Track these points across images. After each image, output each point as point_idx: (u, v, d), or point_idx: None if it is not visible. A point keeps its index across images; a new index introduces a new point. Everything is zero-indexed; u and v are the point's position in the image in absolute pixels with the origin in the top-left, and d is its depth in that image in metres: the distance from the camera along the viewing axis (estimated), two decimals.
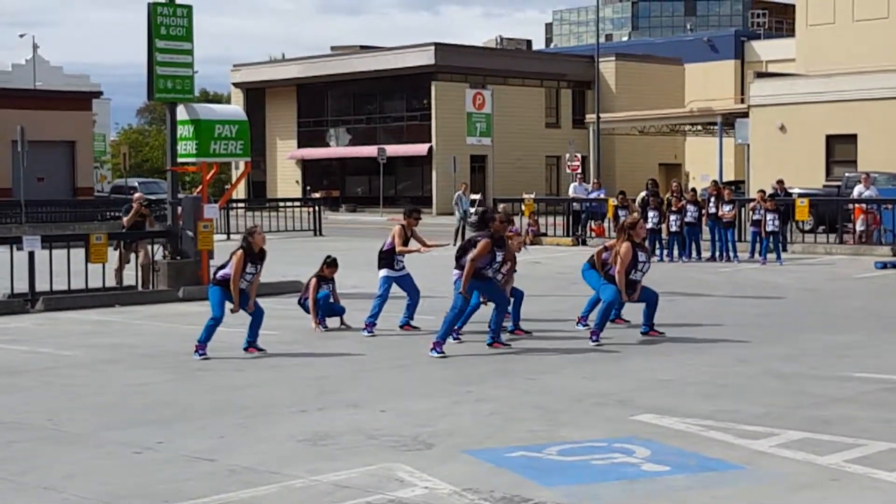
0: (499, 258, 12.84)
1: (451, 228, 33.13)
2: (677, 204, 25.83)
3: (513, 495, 6.99)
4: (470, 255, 12.65)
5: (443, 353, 12.49)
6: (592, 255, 14.44)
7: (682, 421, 9.07)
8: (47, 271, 17.77)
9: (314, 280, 15.00)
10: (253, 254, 12.75)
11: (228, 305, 12.74)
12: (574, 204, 33.67)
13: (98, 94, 58.64)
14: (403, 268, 14.60)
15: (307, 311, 15.00)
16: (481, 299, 13.41)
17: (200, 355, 12.57)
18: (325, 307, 14.90)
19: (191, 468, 7.83)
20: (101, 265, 18.49)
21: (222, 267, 12.91)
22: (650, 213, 25.45)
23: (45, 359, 12.89)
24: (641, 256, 13.41)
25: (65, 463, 8.05)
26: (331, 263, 15.16)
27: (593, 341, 13.24)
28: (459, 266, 12.85)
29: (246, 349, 12.85)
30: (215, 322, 12.66)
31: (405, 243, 14.52)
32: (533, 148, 60.49)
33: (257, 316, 12.88)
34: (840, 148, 41.54)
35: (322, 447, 8.39)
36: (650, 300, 13.72)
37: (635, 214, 13.48)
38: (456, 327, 13.45)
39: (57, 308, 17.37)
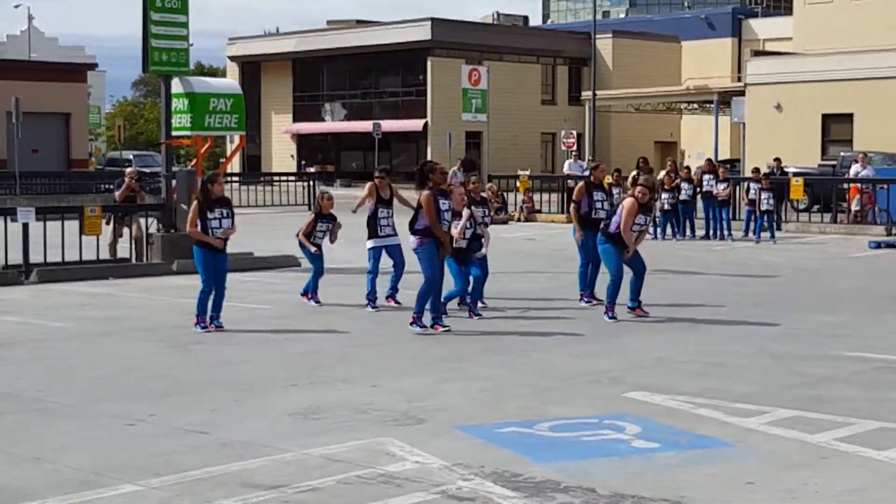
0: (444, 207, 12.54)
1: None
2: (669, 183, 25.80)
3: (503, 470, 7.01)
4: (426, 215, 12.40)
5: (424, 326, 12.39)
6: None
7: (674, 398, 9.09)
8: (41, 243, 17.75)
9: (312, 217, 14.75)
10: (210, 201, 12.64)
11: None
12: (569, 181, 33.62)
13: (93, 66, 58.44)
14: (391, 234, 14.36)
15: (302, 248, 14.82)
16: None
17: (202, 327, 12.54)
18: (320, 270, 14.75)
19: (183, 441, 7.85)
20: (95, 237, 18.48)
21: None
22: None
23: (38, 330, 12.89)
24: (640, 219, 13.36)
25: (57, 434, 8.06)
26: (329, 197, 14.82)
27: (609, 318, 13.26)
28: (414, 232, 12.57)
29: (209, 324, 12.67)
30: (205, 293, 12.63)
31: (378, 199, 14.30)
32: (528, 125, 60.41)
33: (219, 291, 12.70)
34: (836, 127, 41.55)
35: (314, 421, 8.41)
36: (639, 270, 13.64)
37: (648, 177, 13.52)
38: (471, 301, 13.59)
39: (51, 280, 17.34)
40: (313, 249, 14.61)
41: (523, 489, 6.65)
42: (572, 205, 14.85)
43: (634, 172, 27.17)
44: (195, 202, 12.84)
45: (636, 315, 13.53)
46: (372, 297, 14.24)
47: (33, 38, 77.13)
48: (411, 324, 12.39)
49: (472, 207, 13.80)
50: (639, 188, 13.41)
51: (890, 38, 42.80)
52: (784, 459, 7.32)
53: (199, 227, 12.60)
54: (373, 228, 14.35)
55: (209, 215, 12.61)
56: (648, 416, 8.47)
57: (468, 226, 13.29)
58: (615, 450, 7.55)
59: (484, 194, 14.97)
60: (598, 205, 14.61)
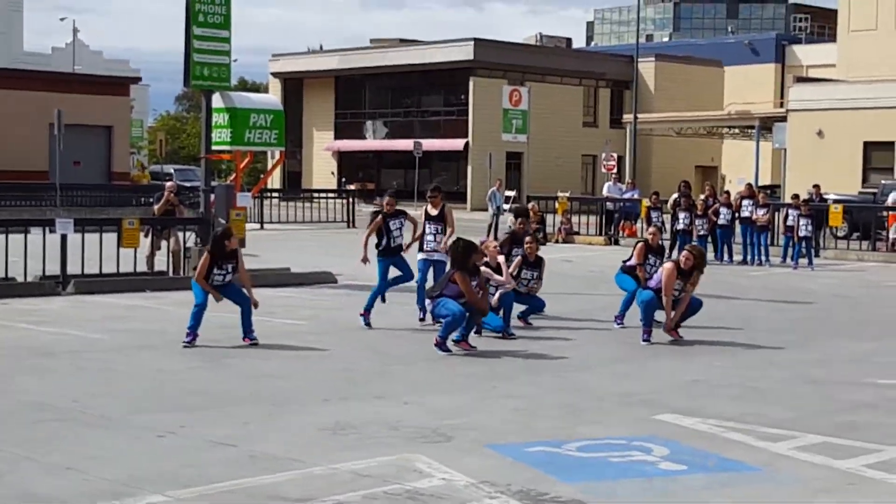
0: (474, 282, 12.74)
1: (485, 224, 33.18)
2: (702, 208, 25.69)
3: (529, 489, 7.01)
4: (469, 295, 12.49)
5: (448, 350, 12.37)
6: (627, 264, 14.72)
7: (704, 422, 9.05)
8: (79, 254, 17.91)
9: (379, 218, 14.36)
10: (222, 256, 12.73)
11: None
12: (608, 203, 33.62)
13: (136, 80, 59.00)
14: (437, 250, 14.43)
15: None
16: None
17: (187, 341, 12.53)
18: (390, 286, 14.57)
19: (213, 453, 7.90)
20: (132, 250, 18.61)
21: None
22: (681, 215, 25.37)
23: (74, 341, 13.01)
24: (677, 285, 13.36)
25: (88, 445, 8.14)
26: (392, 201, 14.43)
27: (644, 341, 13.28)
28: (430, 297, 12.88)
29: (243, 338, 12.78)
30: (199, 308, 12.64)
31: (427, 220, 14.54)
32: (569, 146, 60.35)
33: (244, 307, 12.77)
34: (878, 155, 41.24)
35: (343, 437, 8.44)
36: (694, 306, 13.69)
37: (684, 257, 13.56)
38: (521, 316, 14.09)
39: (87, 291, 17.48)
40: (362, 258, 14.36)
41: None
42: (638, 267, 14.54)
43: (675, 195, 27.15)
44: (207, 255, 12.85)
45: (671, 337, 13.50)
46: (421, 304, 14.34)
47: (78, 51, 77.93)
48: (435, 345, 12.39)
49: (525, 269, 14.37)
50: (684, 254, 13.47)
51: None
52: (811, 485, 7.28)
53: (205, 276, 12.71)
54: (420, 243, 14.60)
55: (216, 270, 12.73)
56: (678, 439, 8.44)
57: (493, 282, 13.64)
58: (642, 471, 7.53)
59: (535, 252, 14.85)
60: (648, 268, 14.53)
